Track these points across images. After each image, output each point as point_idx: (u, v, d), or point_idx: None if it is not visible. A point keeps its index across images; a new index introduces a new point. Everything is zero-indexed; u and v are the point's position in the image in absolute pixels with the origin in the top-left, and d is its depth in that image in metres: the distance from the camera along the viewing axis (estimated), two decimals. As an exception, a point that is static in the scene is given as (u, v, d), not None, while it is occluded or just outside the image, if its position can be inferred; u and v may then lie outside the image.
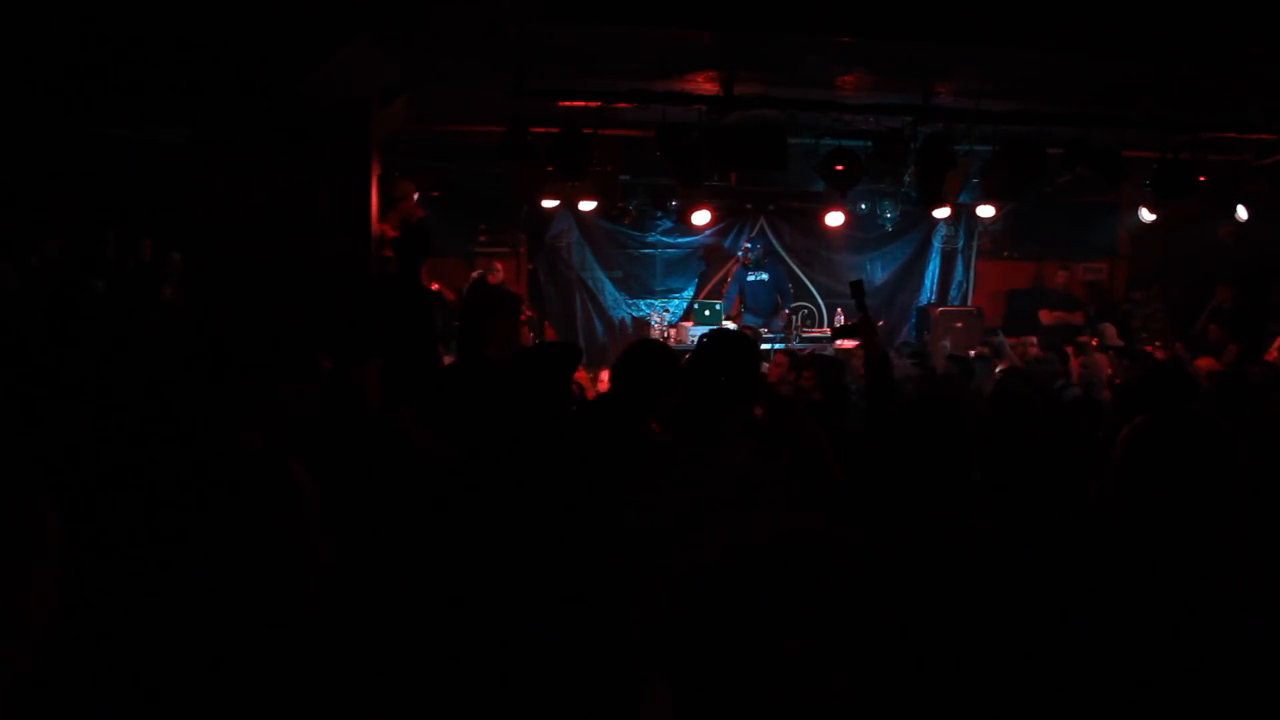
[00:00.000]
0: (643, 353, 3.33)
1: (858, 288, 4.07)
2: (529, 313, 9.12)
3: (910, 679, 1.84)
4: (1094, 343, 8.71)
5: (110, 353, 3.51)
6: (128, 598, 1.76)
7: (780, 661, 1.90)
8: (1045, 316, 10.17)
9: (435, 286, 6.16)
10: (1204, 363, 7.02)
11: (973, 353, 8.61)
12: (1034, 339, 9.10)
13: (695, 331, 9.78)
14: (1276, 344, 7.52)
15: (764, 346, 8.98)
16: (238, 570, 1.87)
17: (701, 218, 9.77)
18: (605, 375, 7.24)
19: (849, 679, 1.86)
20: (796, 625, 1.92)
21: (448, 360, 5.84)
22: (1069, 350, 7.93)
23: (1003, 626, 1.80)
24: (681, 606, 2.17)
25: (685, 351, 3.26)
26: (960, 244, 11.25)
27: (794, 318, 10.54)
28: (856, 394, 5.41)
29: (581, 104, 7.03)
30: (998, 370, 7.57)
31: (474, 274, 8.98)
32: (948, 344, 9.58)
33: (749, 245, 10.22)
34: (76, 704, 1.59)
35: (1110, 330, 9.66)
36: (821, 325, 10.87)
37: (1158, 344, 9.18)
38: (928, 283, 11.26)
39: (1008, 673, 1.76)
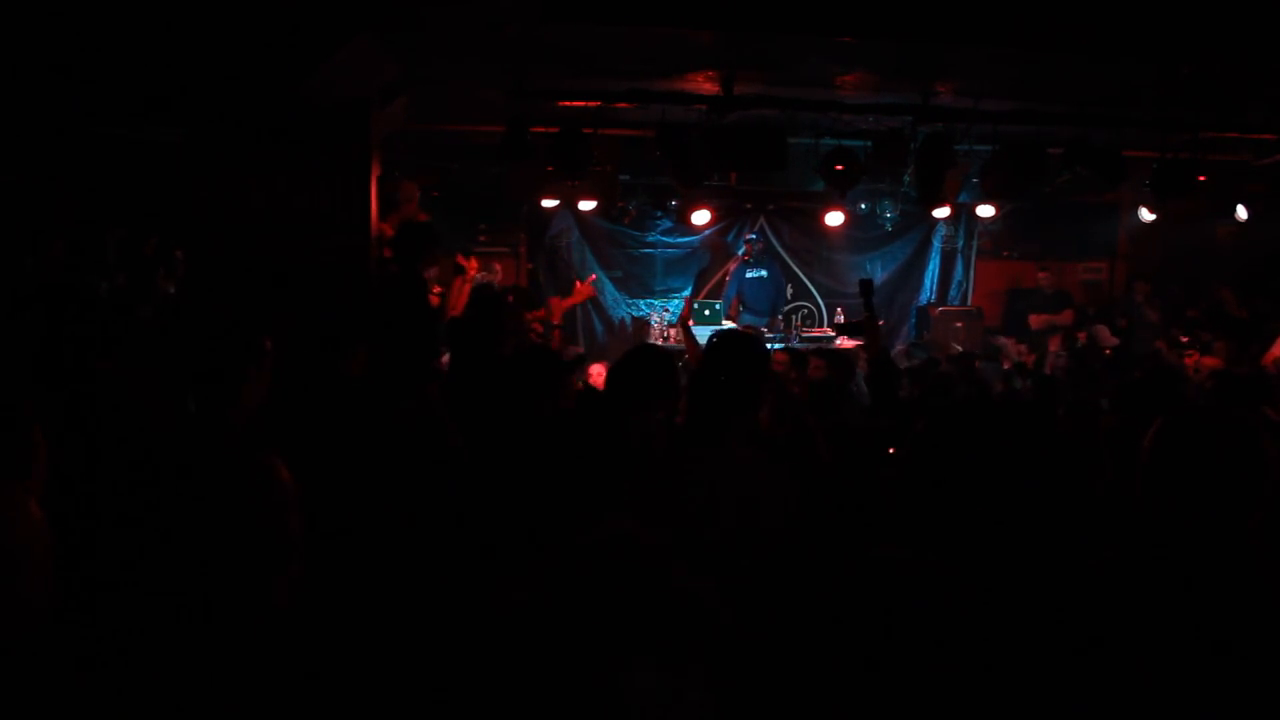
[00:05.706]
0: (638, 358, 3.35)
1: (866, 287, 4.07)
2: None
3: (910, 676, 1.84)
4: (1083, 338, 8.73)
5: (108, 352, 3.51)
6: (114, 592, 1.76)
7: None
8: (1034, 321, 10.17)
9: (437, 290, 6.13)
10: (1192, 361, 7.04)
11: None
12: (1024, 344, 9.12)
13: (694, 331, 9.77)
14: (1277, 344, 7.49)
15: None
16: (221, 565, 1.86)
17: (701, 217, 9.76)
18: (593, 369, 7.28)
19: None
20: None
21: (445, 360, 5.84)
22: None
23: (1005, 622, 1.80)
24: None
25: (683, 351, 3.29)
26: (960, 244, 11.26)
27: (794, 317, 10.52)
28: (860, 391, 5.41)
29: (581, 104, 7.02)
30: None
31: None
32: (958, 346, 9.57)
33: (752, 237, 10.19)
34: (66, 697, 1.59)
35: (1103, 331, 9.65)
36: (821, 325, 10.87)
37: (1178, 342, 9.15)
38: (928, 282, 11.27)
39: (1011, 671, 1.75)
